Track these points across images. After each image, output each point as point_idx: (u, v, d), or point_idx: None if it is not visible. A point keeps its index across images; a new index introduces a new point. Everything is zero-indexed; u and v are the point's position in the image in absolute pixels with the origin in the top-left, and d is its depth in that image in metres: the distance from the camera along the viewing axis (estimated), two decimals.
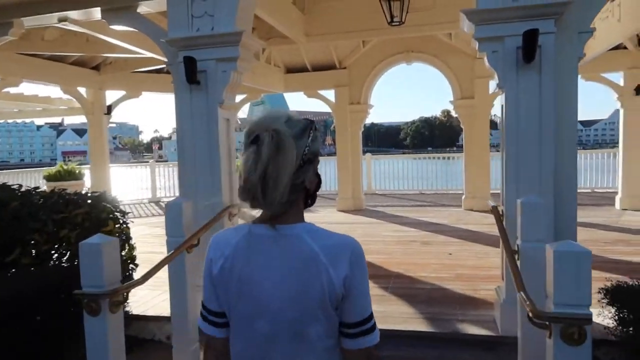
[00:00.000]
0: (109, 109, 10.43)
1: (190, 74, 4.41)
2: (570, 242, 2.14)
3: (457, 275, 5.72)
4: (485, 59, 3.85)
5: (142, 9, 5.06)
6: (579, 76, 10.37)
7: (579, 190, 13.39)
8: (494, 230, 4.80)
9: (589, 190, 12.91)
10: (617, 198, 10.01)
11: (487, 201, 4.66)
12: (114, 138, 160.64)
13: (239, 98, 11.90)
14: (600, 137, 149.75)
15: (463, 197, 10.81)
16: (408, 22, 8.24)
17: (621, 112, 9.93)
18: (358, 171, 11.18)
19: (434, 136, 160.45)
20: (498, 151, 6.35)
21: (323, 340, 1.29)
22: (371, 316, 1.33)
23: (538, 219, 3.08)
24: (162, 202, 13.35)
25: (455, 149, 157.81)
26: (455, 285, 5.29)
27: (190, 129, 4.57)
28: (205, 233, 3.69)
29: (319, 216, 10.36)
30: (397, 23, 7.60)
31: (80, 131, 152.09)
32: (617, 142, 10.43)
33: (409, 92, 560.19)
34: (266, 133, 1.21)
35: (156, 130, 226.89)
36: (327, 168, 14.74)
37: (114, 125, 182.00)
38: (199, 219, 3.96)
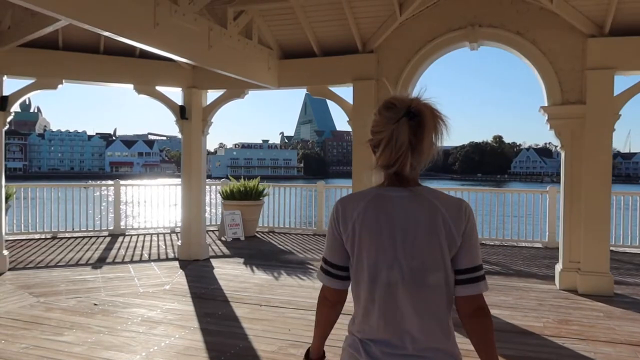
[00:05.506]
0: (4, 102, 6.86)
1: None
2: None
3: None
4: None
5: None
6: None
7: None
8: None
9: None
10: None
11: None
12: (161, 151, 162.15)
13: (216, 94, 8.17)
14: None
15: (559, 266, 6.53)
16: None
17: None
18: None
19: (484, 162, 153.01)
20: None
21: (442, 287, 1.45)
22: (481, 267, 1.49)
23: None
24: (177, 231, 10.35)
25: (506, 176, 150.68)
26: None
27: None
28: None
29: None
30: None
31: (128, 143, 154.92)
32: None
33: (469, 108, 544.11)
34: (427, 109, 1.43)
35: None
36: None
37: (164, 138, 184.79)
38: None
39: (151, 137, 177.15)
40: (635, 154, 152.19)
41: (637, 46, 5.89)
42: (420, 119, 1.42)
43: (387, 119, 1.45)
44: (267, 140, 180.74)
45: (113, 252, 8.57)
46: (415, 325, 1.44)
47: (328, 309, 1.63)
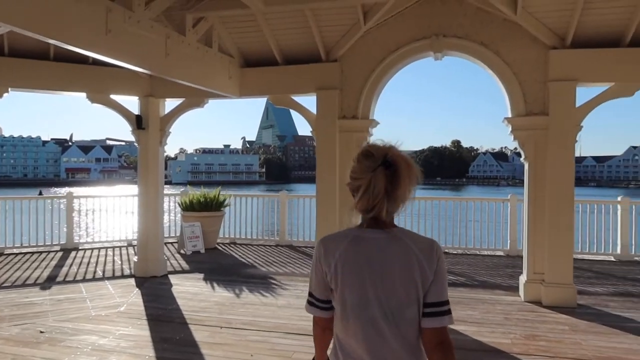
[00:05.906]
0: None
1: None
2: None
3: None
4: None
5: None
6: None
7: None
8: None
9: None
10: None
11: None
12: (120, 156, 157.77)
13: (174, 103, 7.83)
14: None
15: (523, 278, 6.53)
16: None
17: None
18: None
19: (443, 166, 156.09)
20: None
21: (416, 320, 1.59)
22: (447, 302, 1.61)
23: None
24: (134, 244, 9.22)
25: (464, 180, 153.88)
26: None
27: None
28: None
29: None
30: None
31: (85, 148, 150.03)
32: None
33: (430, 113, 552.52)
34: (402, 160, 1.57)
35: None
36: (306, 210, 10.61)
37: (123, 143, 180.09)
38: None
39: (109, 142, 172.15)
40: (585, 157, 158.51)
41: (599, 58, 5.96)
42: (395, 169, 1.56)
43: (365, 167, 1.59)
44: (229, 145, 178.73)
45: (64, 269, 8.08)
46: (396, 356, 1.57)
47: (320, 331, 1.81)
